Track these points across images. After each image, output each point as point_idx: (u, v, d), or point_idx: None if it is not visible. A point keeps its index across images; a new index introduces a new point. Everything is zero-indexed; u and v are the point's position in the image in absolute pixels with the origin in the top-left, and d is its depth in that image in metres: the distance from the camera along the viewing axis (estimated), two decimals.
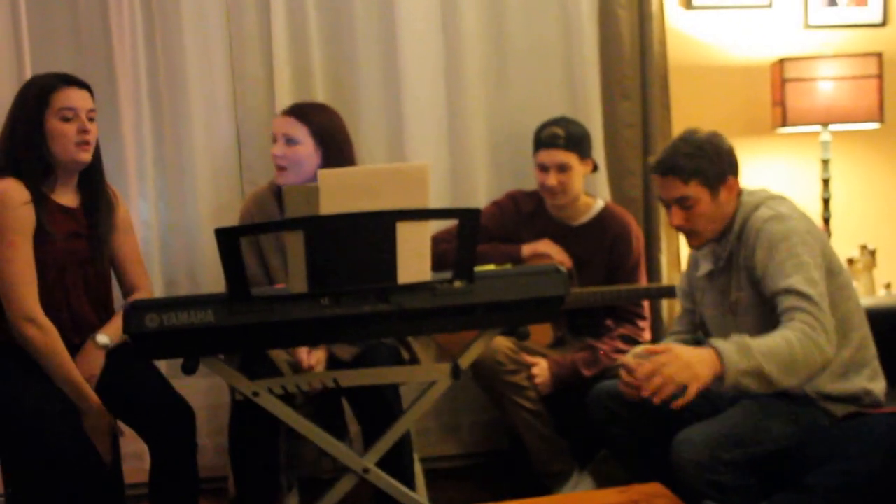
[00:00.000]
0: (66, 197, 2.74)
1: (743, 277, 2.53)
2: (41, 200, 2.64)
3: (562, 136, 3.17)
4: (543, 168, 3.21)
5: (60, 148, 2.66)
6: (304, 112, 3.03)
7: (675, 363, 2.25)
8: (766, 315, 2.47)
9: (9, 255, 2.56)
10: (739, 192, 2.60)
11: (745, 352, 2.27)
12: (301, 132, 2.99)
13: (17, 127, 2.66)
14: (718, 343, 2.30)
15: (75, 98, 2.67)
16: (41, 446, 2.48)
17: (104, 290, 2.83)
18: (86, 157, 2.70)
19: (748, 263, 2.50)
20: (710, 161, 2.53)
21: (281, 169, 2.99)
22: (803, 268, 2.39)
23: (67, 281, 2.70)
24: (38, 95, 2.65)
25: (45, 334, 2.59)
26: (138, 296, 2.83)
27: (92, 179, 2.79)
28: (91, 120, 2.71)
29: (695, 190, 2.53)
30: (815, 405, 2.48)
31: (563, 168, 3.18)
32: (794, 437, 2.43)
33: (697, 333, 2.79)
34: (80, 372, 2.64)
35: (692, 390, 2.23)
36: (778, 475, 2.41)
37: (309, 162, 2.98)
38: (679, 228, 2.61)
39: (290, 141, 2.98)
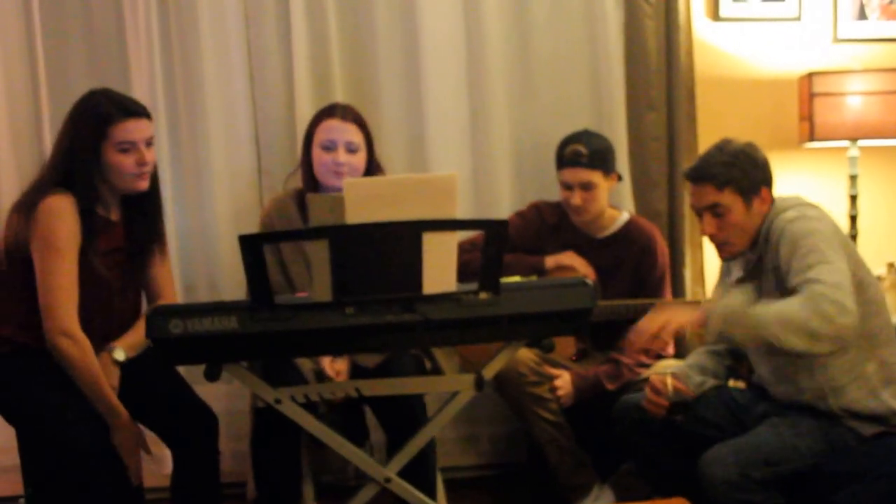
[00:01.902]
0: (110, 210, 2.74)
1: (771, 279, 2.51)
2: (88, 215, 2.64)
3: (585, 154, 3.13)
4: (567, 186, 3.19)
5: (118, 178, 2.66)
6: (360, 118, 3.04)
7: (651, 315, 2.44)
8: None
9: (55, 267, 2.56)
10: (772, 203, 2.57)
11: (730, 303, 2.34)
12: (360, 139, 3.01)
13: (73, 151, 2.64)
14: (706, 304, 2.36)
15: (134, 130, 2.64)
16: (63, 447, 2.50)
17: (136, 304, 2.84)
18: (143, 186, 2.70)
19: (775, 264, 2.48)
20: (744, 171, 2.52)
21: (339, 176, 2.95)
22: (826, 260, 2.34)
23: (102, 295, 2.70)
24: (95, 125, 2.62)
25: (80, 349, 2.57)
26: None
27: (146, 201, 2.78)
28: (149, 145, 2.69)
29: (728, 198, 2.51)
30: (843, 424, 2.46)
31: (587, 187, 3.16)
32: (823, 456, 2.41)
33: (729, 346, 2.76)
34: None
35: (670, 328, 2.43)
36: (806, 494, 2.39)
37: (361, 170, 2.99)
38: (711, 238, 2.59)
39: (351, 149, 2.98)
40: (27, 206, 2.60)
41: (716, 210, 2.53)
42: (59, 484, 2.58)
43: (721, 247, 2.59)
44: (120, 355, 2.69)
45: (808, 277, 2.32)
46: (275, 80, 3.54)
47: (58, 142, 2.70)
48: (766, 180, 2.56)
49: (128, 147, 2.63)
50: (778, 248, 2.45)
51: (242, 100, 3.54)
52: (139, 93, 3.40)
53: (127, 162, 2.64)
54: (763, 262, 2.54)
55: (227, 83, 3.52)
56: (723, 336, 2.34)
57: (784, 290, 2.42)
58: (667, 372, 2.66)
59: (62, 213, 2.57)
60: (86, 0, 3.50)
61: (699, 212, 2.59)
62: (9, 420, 2.70)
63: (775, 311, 2.28)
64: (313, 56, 3.53)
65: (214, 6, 3.49)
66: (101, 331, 2.69)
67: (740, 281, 2.64)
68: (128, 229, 2.77)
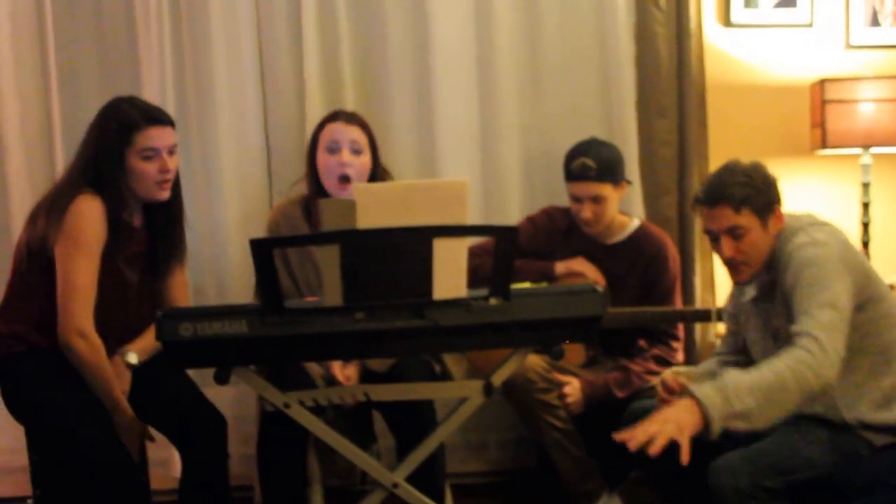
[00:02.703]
0: (133, 217, 2.77)
1: (780, 305, 2.51)
2: (115, 219, 2.67)
3: (593, 167, 3.11)
4: (577, 199, 3.18)
5: (140, 185, 2.70)
6: (363, 121, 3.08)
7: (657, 421, 2.21)
8: None
9: (77, 266, 2.60)
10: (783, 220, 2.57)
11: (724, 394, 2.22)
12: (364, 141, 3.05)
13: (97, 156, 2.68)
14: (697, 391, 2.24)
15: (157, 138, 2.68)
16: (74, 446, 2.52)
17: (151, 311, 2.82)
18: (165, 195, 2.74)
19: (784, 289, 2.47)
20: (759, 189, 2.49)
21: (345, 178, 3.00)
22: (827, 291, 2.34)
23: (120, 298, 2.73)
24: (120, 131, 2.66)
25: (93, 349, 2.61)
26: None
27: (171, 209, 2.82)
28: (171, 154, 2.72)
29: (746, 218, 2.48)
30: (855, 434, 2.45)
31: (597, 200, 3.14)
32: (834, 466, 2.40)
33: (740, 357, 2.75)
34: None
35: (684, 442, 2.18)
36: None
37: (366, 172, 3.03)
38: (729, 261, 2.55)
39: (356, 150, 3.01)
40: (56, 206, 2.63)
41: (735, 232, 2.49)
42: (68, 483, 2.60)
43: (738, 268, 2.55)
44: (133, 358, 2.72)
45: (798, 326, 2.32)
46: (286, 87, 3.55)
47: (84, 146, 2.73)
48: (778, 198, 2.55)
49: (151, 154, 2.67)
50: (786, 274, 2.45)
51: (253, 105, 3.55)
52: (150, 99, 3.36)
53: (150, 169, 2.67)
54: (776, 285, 2.53)
55: (238, 89, 3.53)
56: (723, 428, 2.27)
57: (790, 311, 2.43)
58: (679, 372, 2.66)
59: (91, 214, 2.61)
60: (98, 7, 3.52)
61: (715, 236, 2.55)
62: (19, 419, 2.72)
63: (764, 398, 2.22)
64: (324, 63, 3.53)
65: (226, 13, 3.50)
66: (116, 334, 2.73)
67: (755, 301, 2.62)
68: (150, 236, 2.80)
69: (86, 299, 2.60)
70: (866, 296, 2.42)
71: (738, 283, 2.63)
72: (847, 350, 2.32)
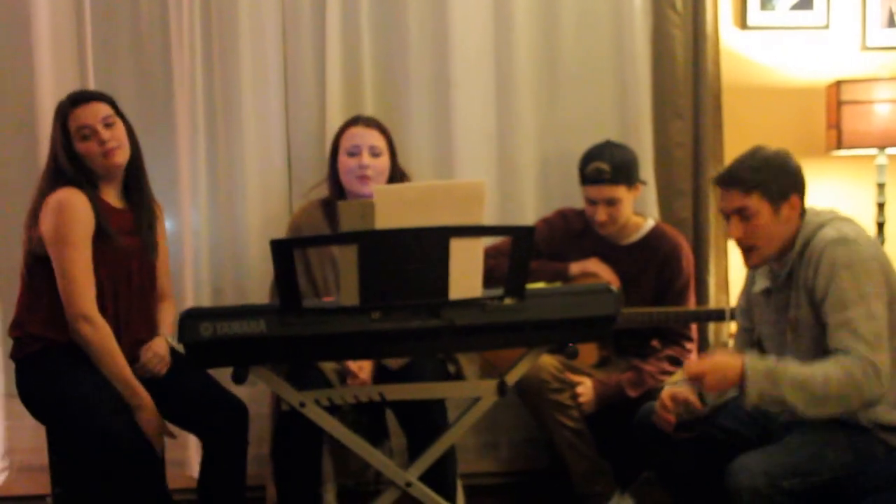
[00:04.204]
0: (114, 199, 2.86)
1: (802, 297, 2.50)
2: (97, 202, 2.76)
3: (607, 171, 3.12)
4: (592, 202, 3.19)
5: (92, 162, 2.78)
6: (382, 126, 3.15)
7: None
8: (824, 336, 2.45)
9: (72, 257, 2.69)
10: (803, 213, 2.56)
11: (772, 378, 2.31)
12: (383, 144, 3.11)
13: (55, 152, 2.79)
14: (750, 362, 2.34)
15: (84, 115, 2.78)
16: (96, 437, 2.58)
17: (150, 283, 2.95)
18: (116, 160, 2.81)
19: (809, 285, 2.47)
20: (773, 176, 2.50)
21: (365, 179, 3.05)
22: (864, 300, 2.36)
23: (118, 276, 2.81)
24: (60, 122, 2.79)
25: (99, 332, 2.70)
26: (166, 305, 2.99)
27: (135, 177, 2.90)
28: (109, 126, 2.79)
29: (755, 202, 2.50)
30: (872, 435, 2.45)
31: (611, 202, 3.16)
32: (851, 467, 2.40)
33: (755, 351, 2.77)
34: (151, 355, 2.80)
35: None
36: None
37: (385, 174, 3.09)
38: (738, 243, 2.57)
39: (375, 153, 3.07)
40: (35, 210, 2.75)
41: (743, 213, 2.52)
42: (88, 480, 2.66)
43: (748, 252, 2.57)
44: (173, 341, 2.81)
45: (843, 343, 2.35)
46: (308, 93, 3.61)
47: (49, 151, 2.83)
48: (797, 187, 2.55)
49: (87, 133, 2.77)
50: (816, 272, 2.44)
51: (276, 111, 3.62)
52: (181, 104, 3.51)
53: (91, 146, 2.76)
54: (795, 276, 2.53)
55: (263, 95, 3.60)
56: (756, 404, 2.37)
57: (816, 312, 2.44)
58: (680, 384, 2.66)
59: (68, 206, 2.70)
60: (135, 17, 3.60)
61: (727, 216, 2.58)
62: (39, 417, 2.77)
63: (807, 397, 2.31)
64: (345, 69, 3.58)
65: (254, 23, 3.56)
66: (121, 314, 2.81)
67: (768, 291, 2.63)
68: (134, 215, 2.88)
69: (84, 286, 2.69)
70: (891, 296, 2.43)
71: (749, 267, 2.64)
72: None
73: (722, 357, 2.45)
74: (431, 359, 2.96)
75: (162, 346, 2.86)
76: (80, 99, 2.80)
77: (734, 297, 3.61)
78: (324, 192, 3.24)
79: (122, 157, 2.82)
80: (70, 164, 2.75)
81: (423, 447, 2.60)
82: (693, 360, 2.46)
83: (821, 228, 2.49)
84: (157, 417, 2.73)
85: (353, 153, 3.09)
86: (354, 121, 3.18)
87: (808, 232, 2.51)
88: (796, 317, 2.53)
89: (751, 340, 2.78)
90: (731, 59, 3.78)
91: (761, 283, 2.66)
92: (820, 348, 2.42)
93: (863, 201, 3.81)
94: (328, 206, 3.15)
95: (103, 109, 2.81)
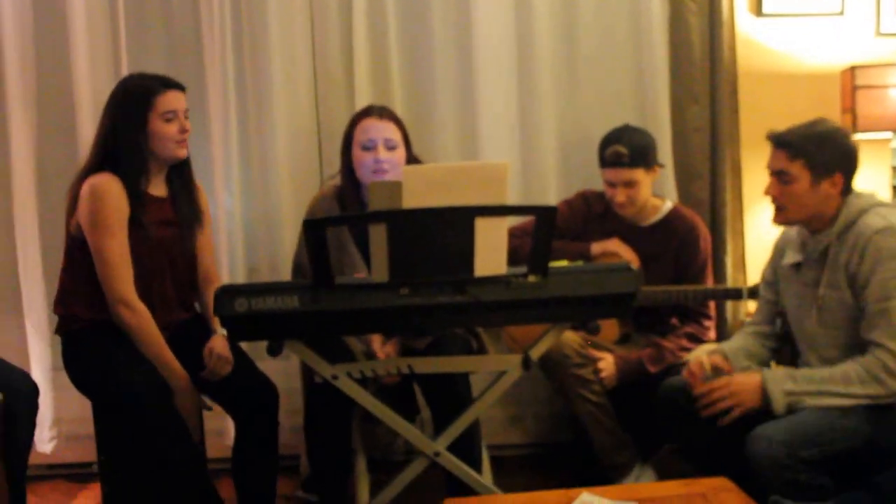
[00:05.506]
0: (158, 188, 2.91)
1: (840, 279, 2.55)
2: (136, 193, 2.81)
3: (626, 154, 3.20)
4: (611, 185, 3.26)
5: (161, 147, 2.84)
6: (395, 116, 3.12)
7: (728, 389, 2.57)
8: (855, 318, 2.53)
9: (107, 244, 2.75)
10: (846, 193, 2.60)
11: (793, 377, 2.50)
12: (398, 136, 3.09)
13: (118, 126, 2.82)
14: (766, 372, 2.52)
15: (175, 100, 2.84)
16: (135, 418, 2.66)
17: (189, 273, 3.00)
18: (184, 153, 2.89)
19: (852, 270, 2.52)
20: (822, 150, 2.55)
21: (381, 174, 3.01)
22: None
23: (156, 265, 2.87)
24: (141, 98, 2.81)
25: (138, 316, 2.77)
26: (213, 286, 2.97)
27: (182, 171, 2.96)
28: (186, 117, 2.88)
29: (797, 169, 2.55)
30: (891, 407, 2.49)
31: (630, 184, 3.23)
32: (869, 438, 2.44)
33: (776, 323, 2.84)
34: (215, 359, 2.83)
35: (735, 413, 2.54)
36: (851, 475, 2.43)
37: (401, 165, 3.04)
38: (772, 199, 2.64)
39: (390, 146, 3.05)
40: (73, 195, 2.82)
41: (783, 176, 2.58)
42: (129, 449, 2.74)
43: (777, 210, 2.64)
44: (222, 330, 2.87)
45: (874, 335, 2.47)
46: (336, 77, 3.70)
47: (100, 127, 2.87)
48: (844, 167, 2.58)
49: (171, 117, 2.83)
50: (862, 258, 2.50)
51: (306, 98, 3.70)
52: (213, 88, 3.61)
53: (171, 130, 2.83)
54: (832, 256, 2.57)
55: (293, 82, 3.68)
56: (785, 405, 2.51)
57: (856, 296, 2.52)
58: (714, 352, 2.76)
59: (103, 193, 2.75)
60: (166, 2, 3.70)
61: (770, 173, 2.64)
62: (83, 391, 2.87)
63: (832, 390, 2.47)
64: (373, 54, 3.68)
65: (283, 7, 3.65)
66: (158, 297, 2.87)
67: (798, 266, 2.68)
68: (175, 203, 2.94)
69: (122, 271, 2.76)
70: None
71: (775, 223, 2.68)
72: None
73: (738, 377, 2.59)
74: (455, 336, 3.02)
75: (221, 345, 2.87)
76: (172, 84, 2.85)
77: (751, 276, 3.70)
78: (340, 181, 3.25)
79: (186, 152, 2.91)
80: (130, 147, 2.79)
81: (448, 420, 2.68)
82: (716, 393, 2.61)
83: (864, 214, 2.54)
84: (195, 399, 2.80)
85: (368, 147, 3.05)
86: (367, 112, 3.13)
87: (850, 214, 2.56)
88: (826, 295, 2.58)
89: (772, 314, 2.85)
90: (746, 45, 3.83)
91: (792, 257, 2.71)
92: (845, 329, 2.51)
93: (878, 184, 3.85)
94: (342, 197, 3.14)
95: (185, 101, 2.89)
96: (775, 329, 2.83)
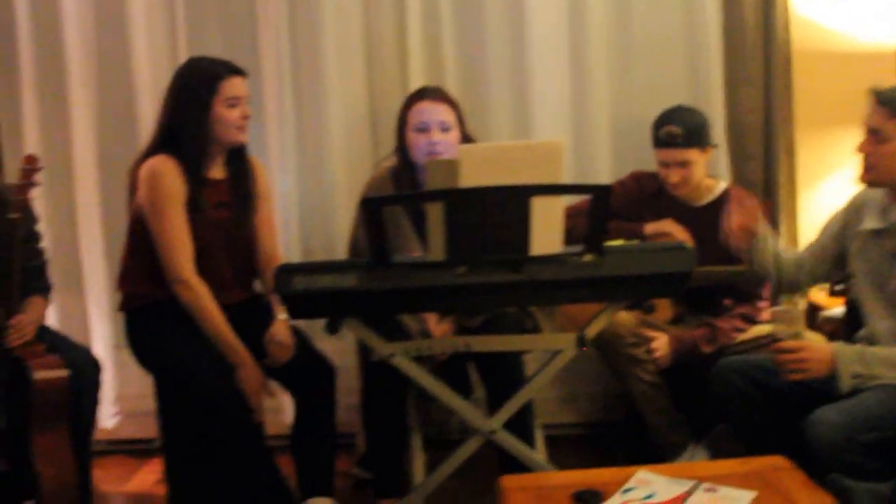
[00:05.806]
0: (216, 170, 2.96)
1: None
2: (194, 176, 2.86)
3: (680, 134, 3.19)
4: (665, 165, 3.26)
5: (223, 131, 2.88)
6: (449, 97, 3.15)
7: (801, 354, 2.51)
8: None
9: (165, 225, 2.81)
10: None
11: (863, 360, 2.46)
12: (452, 118, 3.11)
13: (182, 109, 2.87)
14: (838, 347, 2.48)
15: (239, 86, 2.89)
16: (196, 395, 2.72)
17: (246, 254, 3.04)
18: (245, 138, 2.94)
19: None
20: None
21: (436, 155, 3.02)
22: None
23: (214, 247, 2.92)
24: (206, 82, 2.86)
25: (196, 294, 2.82)
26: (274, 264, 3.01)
27: (240, 154, 3.00)
28: (247, 103, 2.92)
29: (892, 128, 2.50)
30: None
31: (684, 164, 3.23)
32: None
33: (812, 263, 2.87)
34: (275, 346, 2.87)
35: (797, 377, 2.51)
36: None
37: (456, 147, 3.01)
38: (863, 157, 2.58)
39: (444, 128, 3.08)
40: (134, 177, 2.88)
41: (877, 135, 2.53)
42: (191, 425, 2.81)
43: (865, 169, 2.58)
44: (283, 315, 2.91)
45: None
46: (390, 60, 3.74)
47: (163, 108, 2.93)
48: None
49: (235, 102, 2.87)
50: None
51: (360, 81, 3.75)
52: (268, 74, 3.68)
53: (234, 115, 2.87)
54: None
55: (347, 64, 3.73)
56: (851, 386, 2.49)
57: None
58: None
59: (160, 174, 2.81)
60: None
61: (866, 130, 2.59)
62: (147, 368, 2.94)
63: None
64: (426, 37, 3.71)
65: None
66: (216, 277, 2.91)
67: (876, 233, 2.64)
68: (232, 186, 2.98)
69: (180, 251, 2.81)
70: None
71: (860, 181, 2.63)
72: None
73: (814, 345, 2.54)
74: (509, 315, 3.04)
75: (283, 332, 2.89)
76: (237, 70, 2.90)
77: None
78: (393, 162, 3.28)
79: (247, 137, 2.95)
80: (193, 130, 2.84)
81: (503, 399, 2.71)
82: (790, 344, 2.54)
83: None
84: (258, 374, 2.83)
85: (422, 129, 3.07)
86: (421, 94, 3.16)
87: None
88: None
89: (823, 257, 2.84)
90: (801, 24, 3.78)
91: (872, 223, 2.66)
92: None
93: None
94: (397, 177, 3.16)
95: (247, 89, 2.93)
96: (814, 268, 2.86)
